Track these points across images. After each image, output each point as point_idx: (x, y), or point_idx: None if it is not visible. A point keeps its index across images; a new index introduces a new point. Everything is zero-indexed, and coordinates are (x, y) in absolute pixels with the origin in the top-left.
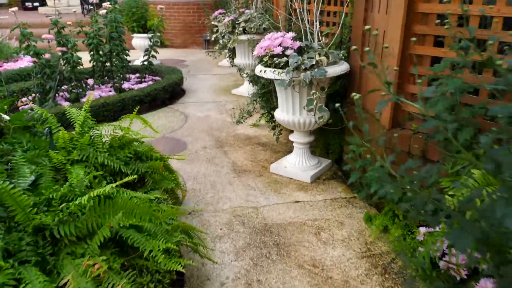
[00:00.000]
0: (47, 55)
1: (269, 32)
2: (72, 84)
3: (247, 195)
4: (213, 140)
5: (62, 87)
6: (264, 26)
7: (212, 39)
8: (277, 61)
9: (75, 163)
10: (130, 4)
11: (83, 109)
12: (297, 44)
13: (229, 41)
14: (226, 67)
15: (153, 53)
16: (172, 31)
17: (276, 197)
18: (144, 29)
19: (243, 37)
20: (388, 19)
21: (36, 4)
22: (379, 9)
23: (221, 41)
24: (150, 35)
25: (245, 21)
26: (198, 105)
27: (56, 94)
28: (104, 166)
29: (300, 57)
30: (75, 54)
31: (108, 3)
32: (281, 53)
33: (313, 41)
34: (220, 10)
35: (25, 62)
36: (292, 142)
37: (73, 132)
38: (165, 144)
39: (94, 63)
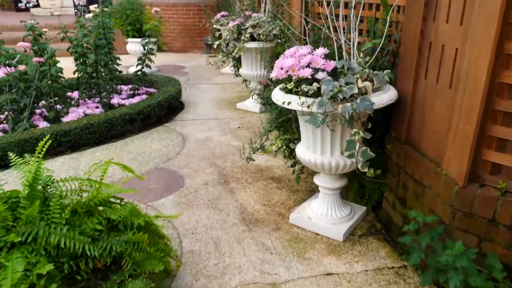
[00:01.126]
0: (21, 67)
1: (280, 39)
2: (52, 100)
3: (262, 261)
4: (216, 173)
5: (40, 104)
6: (274, 32)
7: (215, 46)
8: (305, 89)
9: (17, 247)
10: (124, 6)
11: (35, 157)
12: (332, 64)
13: (234, 49)
14: (229, 75)
15: (147, 62)
16: (171, 35)
17: (301, 265)
18: (139, 33)
19: (251, 44)
20: (467, 32)
21: (29, 5)
22: (447, 17)
23: (225, 49)
24: (144, 41)
25: (253, 26)
26: (198, 123)
27: (34, 112)
28: (60, 249)
29: (336, 82)
30: (53, 66)
31: (95, 6)
32: (310, 76)
33: (350, 59)
34: (222, 13)
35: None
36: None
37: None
38: (158, 178)
39: (80, 75)
